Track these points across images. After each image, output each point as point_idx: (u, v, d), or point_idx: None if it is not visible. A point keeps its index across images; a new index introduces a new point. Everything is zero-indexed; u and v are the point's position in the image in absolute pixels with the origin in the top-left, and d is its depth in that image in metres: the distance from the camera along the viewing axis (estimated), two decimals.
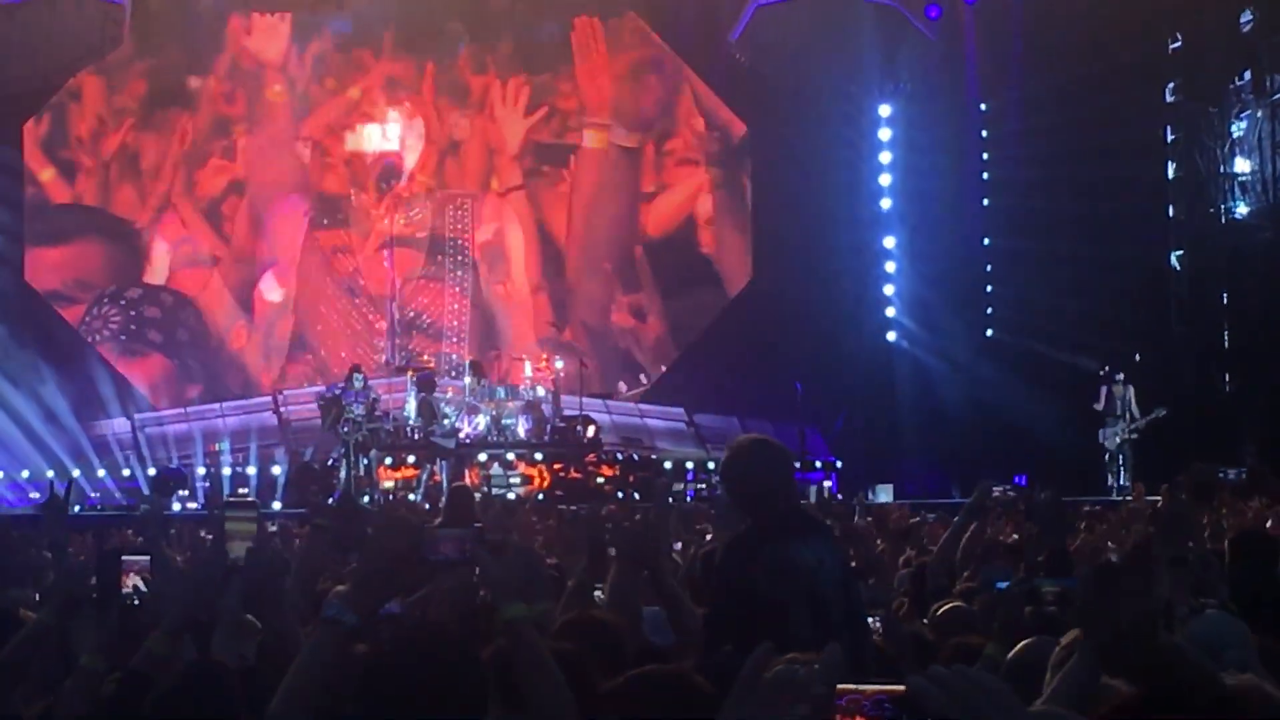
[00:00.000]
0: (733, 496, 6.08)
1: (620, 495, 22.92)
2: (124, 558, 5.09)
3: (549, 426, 23.92)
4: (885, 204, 29.27)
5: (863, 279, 29.16)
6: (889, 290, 29.32)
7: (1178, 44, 27.24)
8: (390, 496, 22.47)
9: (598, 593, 5.90)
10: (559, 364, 24.89)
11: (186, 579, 4.92)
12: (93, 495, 24.73)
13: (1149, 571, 6.08)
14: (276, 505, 22.65)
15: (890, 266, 29.32)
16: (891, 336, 29.19)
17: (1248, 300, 26.42)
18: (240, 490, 24.24)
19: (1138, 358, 25.93)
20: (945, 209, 28.64)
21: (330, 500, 19.82)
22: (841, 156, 28.81)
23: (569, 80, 29.02)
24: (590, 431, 24.32)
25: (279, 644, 4.75)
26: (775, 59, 28.58)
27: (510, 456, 23.51)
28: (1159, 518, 7.29)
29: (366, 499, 21.44)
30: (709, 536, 9.12)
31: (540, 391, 24.14)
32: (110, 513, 22.15)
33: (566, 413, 24.42)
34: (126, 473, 25.72)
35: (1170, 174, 27.58)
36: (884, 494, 24.12)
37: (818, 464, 25.18)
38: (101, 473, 25.57)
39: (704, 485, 23.90)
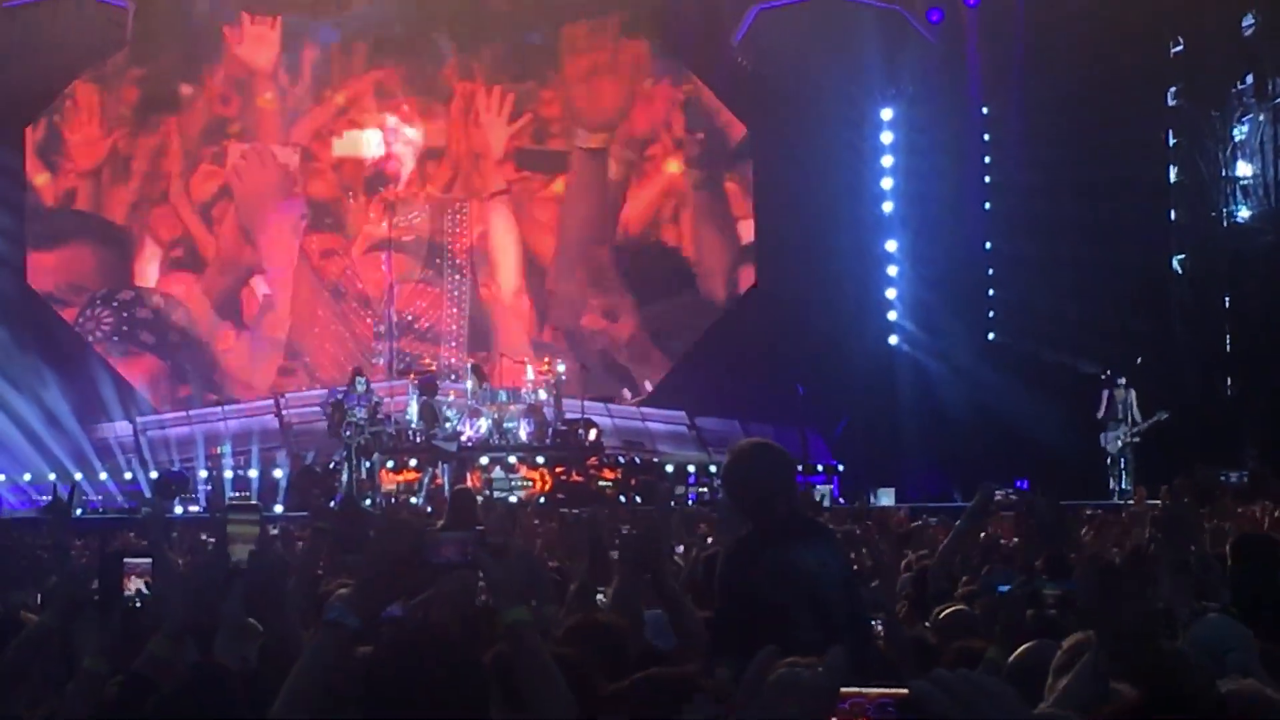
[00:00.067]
0: (734, 500, 6.08)
1: (622, 499, 22.92)
2: (126, 560, 5.09)
3: (551, 430, 23.93)
4: (887, 207, 29.26)
5: (864, 282, 29.15)
6: (890, 293, 29.32)
7: (1179, 48, 27.24)
8: (392, 500, 22.48)
9: (600, 596, 5.90)
10: (560, 367, 24.89)
11: (188, 582, 4.92)
12: (94, 498, 24.74)
13: (1146, 574, 6.08)
14: (278, 508, 22.66)
15: (892, 270, 29.31)
16: (893, 340, 29.18)
17: (1249, 304, 26.41)
18: (240, 493, 24.28)
19: (1139, 361, 25.91)
20: (947, 212, 28.63)
21: (332, 503, 19.87)
22: (843, 160, 28.80)
23: (553, 87, 29.09)
24: (592, 435, 24.32)
25: (281, 647, 4.75)
26: (777, 62, 28.59)
27: (512, 460, 23.51)
28: (1160, 522, 7.29)
29: (368, 502, 21.45)
30: (710, 540, 9.11)
31: (542, 395, 24.15)
32: (112, 516, 22.16)
33: (568, 416, 24.42)
34: (128, 476, 25.73)
35: (1172, 177, 27.57)
36: (885, 497, 24.12)
37: (819, 467, 25.18)
38: (103, 476, 25.58)
39: (705, 489, 23.90)
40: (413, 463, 23.24)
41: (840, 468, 25.72)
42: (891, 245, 29.24)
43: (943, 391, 27.74)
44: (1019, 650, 4.90)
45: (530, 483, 23.42)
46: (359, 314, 28.63)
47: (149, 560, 5.15)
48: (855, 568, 6.61)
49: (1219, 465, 22.30)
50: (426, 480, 22.93)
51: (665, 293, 29.18)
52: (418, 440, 23.10)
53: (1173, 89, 27.41)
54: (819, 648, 2.69)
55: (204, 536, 12.69)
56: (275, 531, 12.51)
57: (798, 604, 5.29)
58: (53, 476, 24.46)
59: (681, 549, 8.97)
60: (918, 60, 28.45)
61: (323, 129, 28.83)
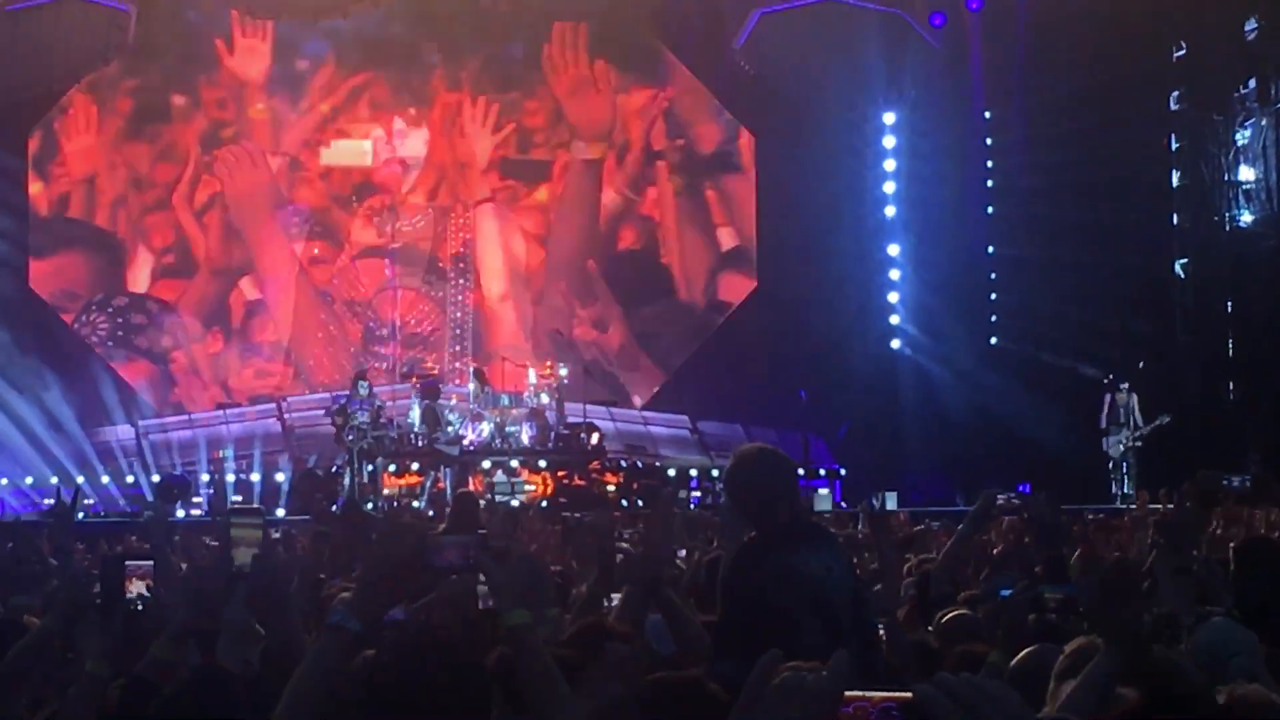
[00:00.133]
0: (736, 505, 6.07)
1: (624, 503, 22.92)
2: (128, 563, 5.09)
3: (553, 434, 23.93)
4: (889, 211, 29.26)
5: (867, 286, 29.16)
6: (893, 298, 29.31)
7: (1182, 52, 27.24)
8: (394, 503, 22.47)
9: (608, 603, 5.90)
10: (563, 371, 24.89)
11: (190, 585, 4.91)
12: (95, 502, 24.74)
13: (1143, 578, 6.08)
14: (281, 512, 22.67)
15: (894, 274, 29.31)
16: (895, 344, 29.18)
17: (1252, 308, 26.41)
18: (236, 498, 24.30)
19: (1141, 365, 25.91)
20: (949, 216, 28.63)
21: (334, 507, 19.87)
22: (845, 163, 28.80)
23: (538, 98, 29.18)
24: (594, 439, 24.32)
25: (283, 650, 4.74)
26: (779, 66, 28.59)
27: (514, 464, 23.51)
28: (1163, 526, 7.29)
29: (370, 506, 21.44)
30: (713, 543, 9.10)
31: (544, 399, 24.16)
32: (114, 519, 22.16)
33: (570, 420, 24.42)
34: (130, 479, 25.74)
35: (1174, 182, 27.56)
36: (888, 501, 24.07)
37: (821, 471, 25.17)
38: (106, 479, 25.60)
39: (704, 493, 23.90)
40: (415, 466, 23.24)
41: (842, 472, 25.71)
42: (894, 249, 29.23)
43: (945, 395, 27.73)
44: (1020, 655, 4.89)
45: (532, 487, 23.42)
46: (349, 320, 28.86)
47: (151, 563, 5.15)
48: (857, 572, 6.60)
49: (1221, 470, 22.30)
50: (428, 484, 22.93)
51: (648, 300, 29.22)
52: (420, 444, 23.10)
53: (1175, 93, 27.41)
54: (824, 653, 2.69)
55: (206, 540, 12.68)
56: (277, 535, 12.51)
57: (803, 609, 5.28)
58: (55, 480, 24.47)
59: (684, 553, 8.96)
60: (920, 64, 28.44)
61: (311, 139, 29.05)
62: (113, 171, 28.63)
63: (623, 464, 24.99)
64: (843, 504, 23.59)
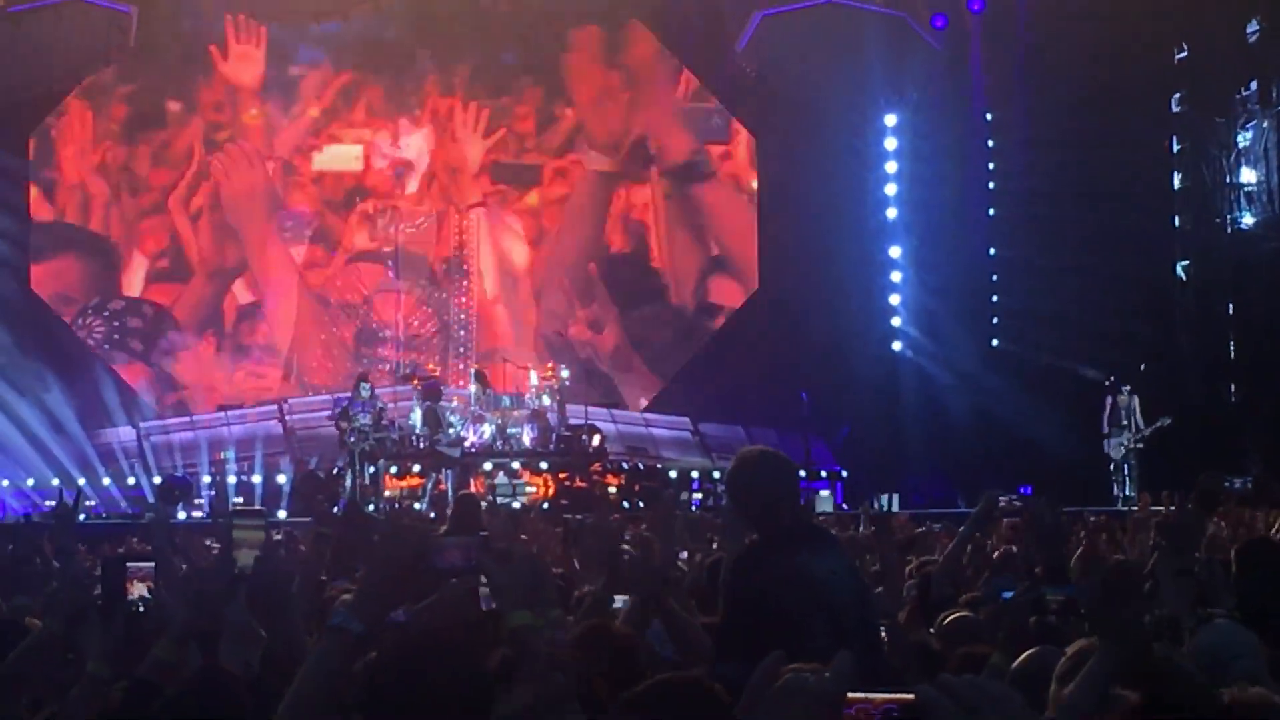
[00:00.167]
0: (738, 507, 6.08)
1: (626, 505, 22.92)
2: (129, 564, 5.09)
3: (554, 435, 23.93)
4: (891, 213, 29.25)
5: (868, 288, 29.15)
6: (894, 300, 29.30)
7: (1184, 54, 27.25)
8: (395, 505, 22.47)
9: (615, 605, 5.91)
10: (564, 373, 24.90)
11: (191, 586, 4.92)
12: (96, 504, 24.74)
13: (1144, 579, 6.07)
14: (282, 514, 22.67)
15: (896, 276, 29.30)
16: (897, 346, 29.17)
17: (1253, 310, 26.42)
18: (238, 500, 24.31)
19: (1143, 368, 25.92)
20: (951, 219, 28.63)
21: (335, 509, 19.85)
22: (847, 165, 28.80)
23: (527, 103, 29.19)
24: (595, 440, 24.32)
25: (285, 652, 4.75)
26: (781, 68, 28.60)
27: (515, 465, 23.52)
28: (1164, 528, 7.29)
29: (371, 507, 21.43)
30: (715, 545, 9.11)
31: (546, 400, 24.16)
32: (115, 521, 22.17)
33: (572, 422, 24.43)
34: (132, 481, 25.75)
35: (1176, 184, 27.58)
36: (890, 504, 24.05)
37: (823, 473, 25.16)
38: (107, 481, 25.60)
39: (705, 495, 23.90)
40: (416, 468, 23.24)
41: (844, 474, 25.71)
42: (895, 251, 29.23)
43: (946, 397, 27.73)
44: (1022, 657, 4.89)
45: (534, 488, 23.42)
46: (343, 322, 28.97)
47: (152, 564, 5.15)
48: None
49: (1222, 471, 22.29)
50: (430, 486, 22.94)
51: (640, 303, 29.24)
52: (421, 446, 23.10)
53: (1177, 95, 27.42)
54: (830, 654, 2.69)
55: (208, 542, 12.67)
56: (279, 537, 12.50)
57: (810, 611, 5.29)
58: (56, 481, 24.48)
59: (685, 555, 8.96)
60: (922, 66, 28.44)
61: (304, 144, 29.13)
62: (107, 176, 28.73)
63: (624, 466, 25.00)
64: (844, 506, 23.59)
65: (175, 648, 4.54)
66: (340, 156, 29.04)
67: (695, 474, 25.07)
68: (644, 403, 28.74)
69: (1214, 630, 5.30)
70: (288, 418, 27.22)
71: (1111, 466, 24.24)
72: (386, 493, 22.84)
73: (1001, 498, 12.13)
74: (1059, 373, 26.98)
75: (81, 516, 21.11)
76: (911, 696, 2.49)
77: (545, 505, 22.11)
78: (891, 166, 29.27)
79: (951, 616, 6.78)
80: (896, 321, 29.26)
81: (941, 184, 28.55)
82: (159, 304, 28.69)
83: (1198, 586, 6.14)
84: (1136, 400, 24.12)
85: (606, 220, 29.45)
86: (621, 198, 29.46)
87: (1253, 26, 26.04)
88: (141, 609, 4.91)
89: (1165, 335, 27.20)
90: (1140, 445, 23.92)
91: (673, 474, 24.97)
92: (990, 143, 28.76)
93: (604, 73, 29.29)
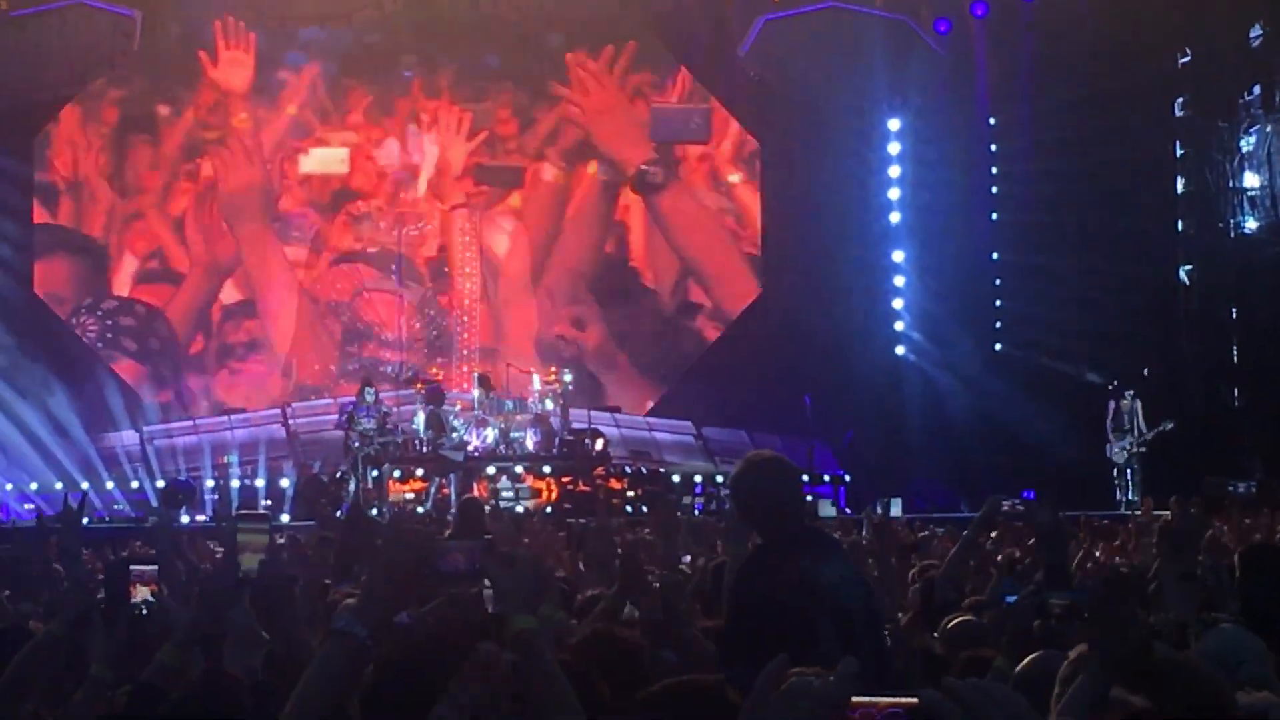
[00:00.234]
0: (742, 512, 6.08)
1: (629, 510, 22.94)
2: (132, 568, 5.09)
3: (557, 440, 23.94)
4: (894, 218, 29.24)
5: (871, 293, 29.13)
6: (898, 304, 29.29)
7: (1187, 59, 27.25)
8: (397, 509, 22.47)
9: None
10: (567, 377, 24.90)
11: (195, 590, 4.92)
12: (100, 508, 24.73)
13: (1147, 582, 6.07)
14: (285, 518, 22.67)
15: (899, 280, 29.29)
16: (900, 350, 29.15)
17: (1256, 315, 26.42)
18: (246, 501, 24.31)
19: (1146, 372, 25.91)
20: (954, 223, 28.61)
21: (339, 513, 19.86)
22: (850, 170, 28.80)
23: (506, 106, 29.23)
24: (598, 445, 24.32)
25: (288, 656, 4.75)
26: (784, 73, 28.61)
27: (518, 469, 23.53)
28: (1168, 533, 7.28)
29: (375, 511, 21.44)
30: (717, 549, 9.11)
31: (549, 405, 24.16)
32: (119, 525, 22.17)
33: (575, 426, 24.43)
34: (135, 485, 25.75)
35: (1179, 189, 27.57)
36: (893, 508, 24.06)
37: (826, 478, 25.16)
38: (110, 485, 25.60)
39: (708, 499, 23.91)
40: (419, 472, 23.26)
41: (847, 478, 25.70)
42: (898, 256, 29.21)
43: (949, 402, 27.72)
44: (1025, 661, 4.89)
45: (536, 492, 23.43)
46: (332, 323, 29.00)
47: (155, 567, 5.15)
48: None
49: (1225, 476, 22.32)
50: (433, 490, 22.95)
51: (623, 302, 29.25)
52: (424, 450, 23.11)
53: (1180, 100, 27.42)
54: (835, 659, 2.69)
55: (211, 545, 12.69)
56: (282, 541, 12.51)
57: (814, 615, 5.29)
58: (60, 486, 24.49)
59: (688, 559, 8.97)
60: (925, 71, 28.43)
61: (296, 147, 29.22)
62: (97, 179, 28.77)
63: (627, 470, 25.00)
64: (847, 510, 23.59)
65: (179, 652, 4.54)
66: (326, 159, 29.10)
67: (698, 478, 25.08)
68: (650, 405, 28.74)
69: (1219, 635, 5.30)
70: (291, 422, 27.24)
71: (1114, 471, 24.25)
72: (390, 497, 22.85)
73: (1005, 502, 12.12)
74: (1062, 377, 26.98)
75: (85, 520, 21.13)
76: (915, 700, 2.49)
77: (548, 509, 22.14)
78: (894, 171, 29.26)
79: (955, 621, 6.78)
80: (899, 325, 29.25)
81: (944, 188, 28.54)
82: (150, 304, 28.73)
83: (1202, 591, 6.13)
84: (1139, 404, 24.13)
85: (597, 222, 29.44)
86: (609, 201, 29.44)
87: (1256, 31, 26.05)
88: (145, 613, 4.91)
89: (1168, 339, 27.19)
90: (1143, 449, 23.92)
91: (675, 478, 24.97)
92: (993, 147, 28.75)
93: (598, 80, 29.27)
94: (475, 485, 22.81)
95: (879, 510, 20.24)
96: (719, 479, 24.03)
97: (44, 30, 27.39)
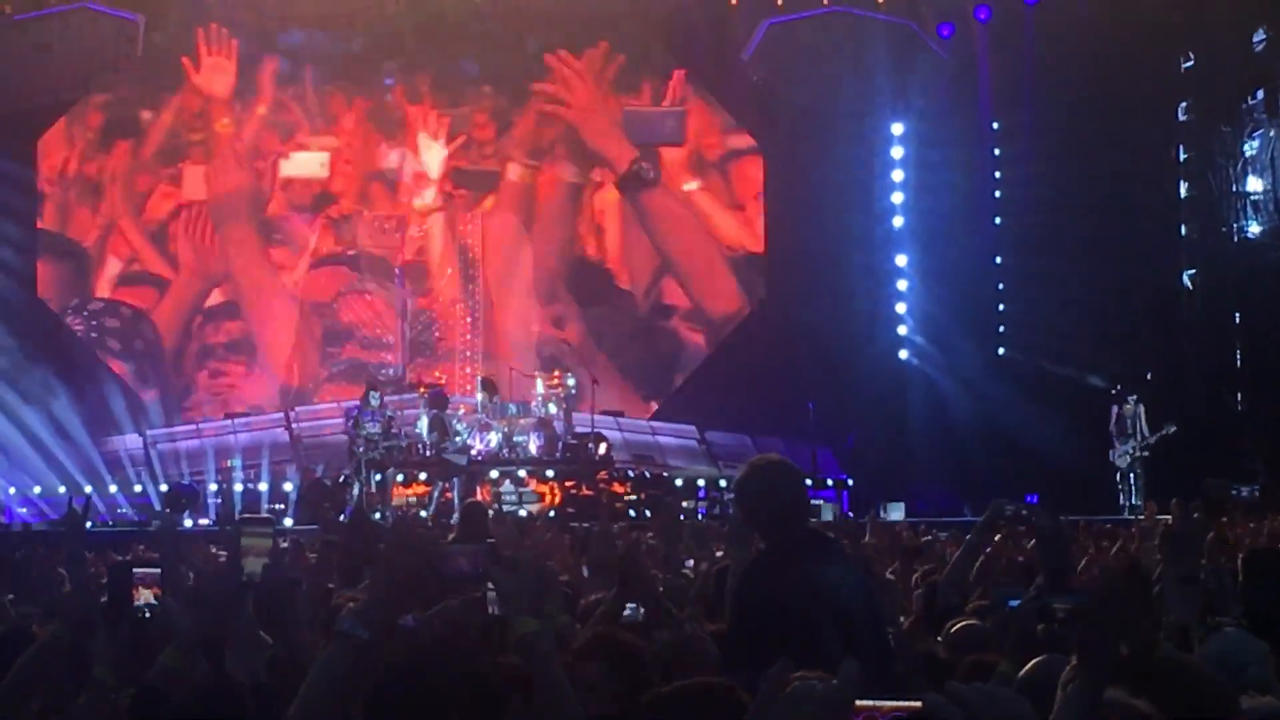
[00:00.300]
0: (746, 516, 6.08)
1: (632, 514, 22.94)
2: (135, 571, 5.09)
3: (560, 444, 23.93)
4: (897, 222, 29.24)
5: (874, 297, 29.13)
6: (901, 308, 29.29)
7: (1190, 63, 27.25)
8: (403, 513, 22.47)
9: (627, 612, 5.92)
10: (570, 380, 24.89)
11: (199, 594, 4.92)
12: (103, 512, 24.73)
13: (1150, 586, 6.07)
14: (288, 521, 22.66)
15: (902, 285, 29.29)
16: (903, 354, 29.15)
17: (1259, 319, 26.41)
18: (249, 504, 24.31)
19: (1149, 376, 25.90)
20: (957, 227, 28.61)
21: (342, 517, 19.86)
22: (853, 174, 28.80)
23: (485, 111, 29.22)
24: (602, 449, 24.31)
25: (291, 660, 4.75)
26: (788, 77, 28.62)
27: (522, 474, 23.52)
28: (1170, 536, 7.28)
29: (378, 515, 21.44)
30: (720, 553, 9.11)
31: (552, 409, 24.16)
32: (122, 528, 22.17)
33: (578, 430, 24.43)
34: (138, 489, 25.75)
35: (1182, 193, 27.57)
36: (895, 512, 24.07)
37: (829, 482, 25.16)
38: (113, 489, 25.60)
39: (711, 503, 23.90)
40: (423, 476, 23.25)
41: (850, 482, 25.69)
42: (901, 260, 29.22)
43: (952, 406, 27.71)
44: (1029, 665, 4.89)
45: (540, 496, 23.43)
46: (314, 326, 29.03)
47: (158, 570, 5.16)
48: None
49: (1229, 480, 22.31)
50: (436, 494, 22.94)
51: (600, 302, 29.26)
52: (427, 454, 23.10)
53: (1183, 104, 27.43)
54: (838, 663, 2.69)
55: (213, 549, 12.68)
56: (285, 544, 12.51)
57: (818, 619, 5.29)
58: (63, 489, 24.49)
59: (691, 563, 8.97)
60: (928, 75, 28.44)
61: (278, 151, 29.23)
62: (81, 184, 28.80)
63: (630, 474, 25.00)
64: (850, 514, 23.56)
65: (182, 655, 4.54)
66: (307, 163, 29.12)
67: (701, 482, 25.07)
68: (654, 407, 28.74)
69: (1223, 639, 5.30)
70: (294, 425, 27.25)
71: (1117, 475, 24.24)
72: (394, 501, 22.84)
73: (1009, 506, 12.12)
74: (1065, 381, 26.97)
75: (89, 524, 21.13)
76: (919, 704, 2.49)
77: (551, 513, 22.13)
78: (898, 175, 29.27)
79: (959, 625, 6.78)
80: (903, 330, 29.24)
81: (948, 192, 28.54)
82: (136, 306, 28.75)
83: (1205, 595, 6.13)
84: (1142, 409, 24.12)
85: (576, 223, 29.45)
86: (585, 203, 29.46)
87: (1259, 35, 26.05)
88: (148, 616, 4.91)
89: (1171, 343, 27.19)
90: (1146, 454, 23.91)
91: (679, 482, 24.96)
92: (997, 151, 28.75)
93: (583, 79, 29.27)
94: (478, 489, 22.80)
95: (880, 513, 20.27)
96: (722, 483, 24.01)
97: (47, 34, 27.41)
